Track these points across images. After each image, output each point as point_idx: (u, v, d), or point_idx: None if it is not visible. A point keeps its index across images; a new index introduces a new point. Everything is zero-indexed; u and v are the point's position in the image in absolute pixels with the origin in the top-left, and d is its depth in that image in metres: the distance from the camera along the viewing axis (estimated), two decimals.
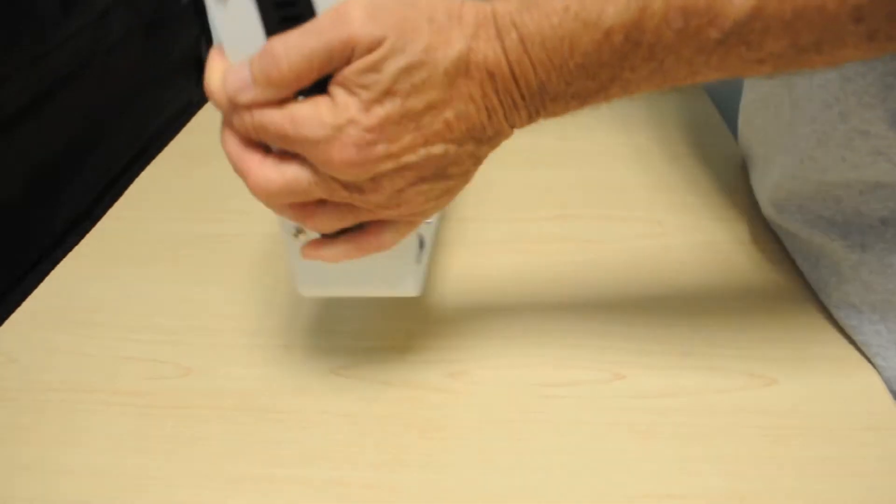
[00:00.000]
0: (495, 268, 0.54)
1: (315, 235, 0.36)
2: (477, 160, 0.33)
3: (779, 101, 0.51)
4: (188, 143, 0.75)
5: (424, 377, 0.45)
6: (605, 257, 0.55)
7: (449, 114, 0.31)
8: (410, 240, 0.38)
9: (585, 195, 0.63)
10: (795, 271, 0.52)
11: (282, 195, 0.32)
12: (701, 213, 0.60)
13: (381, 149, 0.30)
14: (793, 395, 0.43)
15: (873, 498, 0.37)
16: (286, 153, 0.32)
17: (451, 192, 0.34)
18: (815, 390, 0.43)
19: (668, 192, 0.63)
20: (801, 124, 0.46)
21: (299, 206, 0.33)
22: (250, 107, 0.31)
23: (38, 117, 0.57)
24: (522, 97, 0.31)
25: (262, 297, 0.52)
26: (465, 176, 0.34)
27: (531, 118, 0.32)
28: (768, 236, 0.56)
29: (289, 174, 0.32)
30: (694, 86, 0.31)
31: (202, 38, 0.86)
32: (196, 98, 0.84)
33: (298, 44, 0.29)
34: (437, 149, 0.31)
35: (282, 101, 0.30)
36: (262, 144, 0.32)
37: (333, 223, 0.34)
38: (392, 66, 0.29)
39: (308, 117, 0.30)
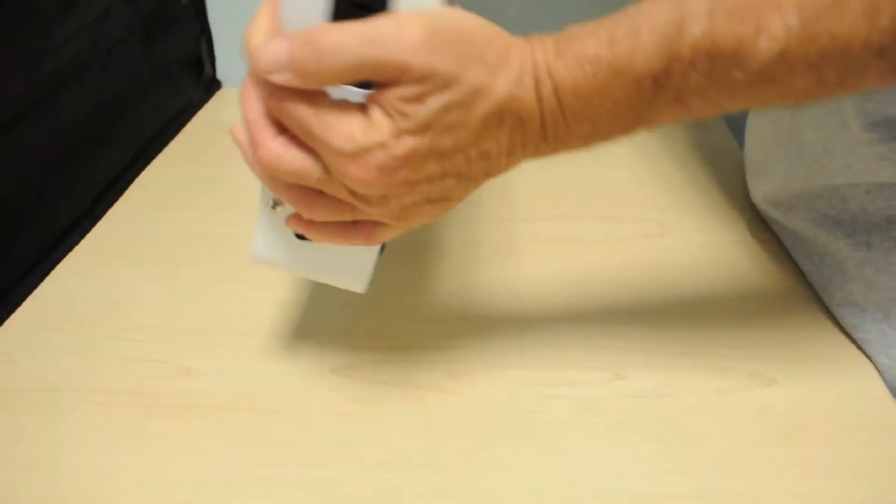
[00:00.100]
0: (495, 268, 0.54)
1: (292, 209, 0.36)
2: (481, 184, 0.34)
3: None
4: (188, 143, 0.75)
5: (424, 377, 0.45)
6: (605, 257, 0.55)
7: (472, 152, 0.31)
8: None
9: (586, 195, 0.63)
10: (796, 271, 0.52)
11: (286, 177, 0.32)
12: (701, 213, 0.60)
13: (401, 175, 0.30)
14: (793, 395, 0.43)
15: (873, 498, 0.37)
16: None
17: (450, 208, 0.34)
18: (815, 390, 0.43)
19: (668, 192, 0.63)
20: (805, 131, 0.47)
21: (298, 191, 0.33)
22: (279, 90, 0.30)
23: (38, 117, 0.57)
24: (546, 140, 0.31)
25: (263, 298, 0.52)
26: (467, 195, 0.34)
27: (549, 154, 0.32)
28: (769, 236, 0.56)
29: (299, 162, 0.31)
30: None
31: (202, 38, 0.86)
32: (196, 98, 0.84)
33: (349, 46, 0.28)
34: (453, 181, 0.32)
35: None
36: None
37: (327, 216, 0.34)
38: (436, 102, 0.29)
39: (338, 127, 0.29)
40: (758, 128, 0.56)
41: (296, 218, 0.36)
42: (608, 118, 0.30)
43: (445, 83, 0.28)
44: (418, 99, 0.29)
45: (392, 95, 0.29)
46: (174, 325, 0.50)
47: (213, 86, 0.88)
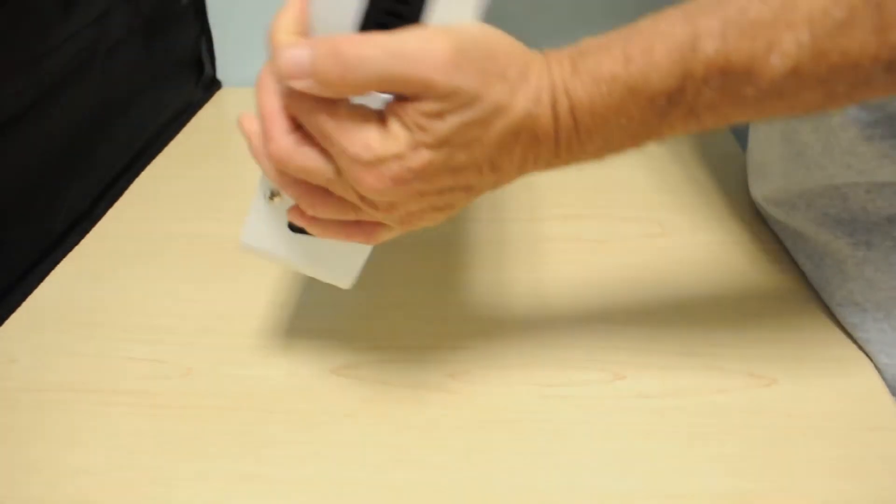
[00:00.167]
0: (495, 267, 0.54)
1: (291, 201, 0.36)
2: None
3: None
4: (188, 143, 0.75)
5: (424, 377, 0.45)
6: (605, 257, 0.55)
7: (485, 167, 0.31)
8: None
9: (586, 195, 0.63)
10: (796, 271, 0.52)
11: (295, 174, 0.32)
12: (701, 213, 0.60)
13: (414, 187, 0.30)
14: (793, 395, 0.43)
15: (873, 498, 0.37)
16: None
17: (453, 214, 0.34)
18: (815, 390, 0.43)
19: (668, 192, 0.63)
20: (805, 130, 0.47)
21: (305, 188, 0.33)
22: (299, 91, 0.29)
23: (38, 117, 0.57)
24: (558, 155, 0.32)
25: (262, 298, 0.52)
26: (471, 202, 0.34)
27: (560, 167, 0.33)
28: (769, 236, 0.56)
29: (311, 161, 0.31)
30: None
31: (202, 38, 0.86)
32: (196, 98, 0.84)
33: (374, 60, 0.28)
34: (462, 192, 0.32)
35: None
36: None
37: (331, 214, 0.34)
38: (456, 119, 0.29)
39: (356, 135, 0.29)
40: (759, 128, 0.56)
41: (297, 211, 0.36)
42: (621, 134, 0.31)
43: (467, 102, 0.28)
44: (439, 115, 0.29)
45: (412, 109, 0.29)
46: (174, 325, 0.50)
47: (213, 86, 0.88)
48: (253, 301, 0.52)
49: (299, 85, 0.29)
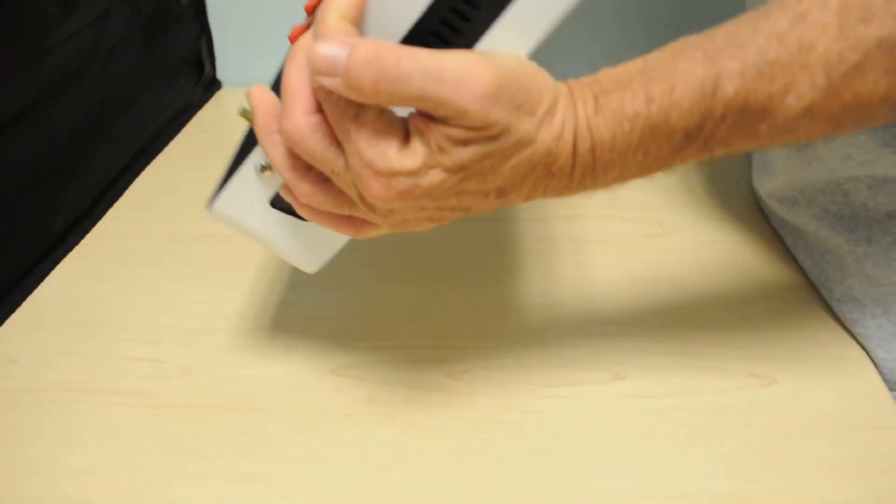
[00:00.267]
0: (495, 267, 0.54)
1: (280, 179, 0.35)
2: None
3: None
4: (188, 143, 0.75)
5: (424, 377, 0.45)
6: (605, 257, 0.55)
7: (493, 194, 0.31)
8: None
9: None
10: (796, 271, 0.52)
11: (303, 153, 0.31)
12: (701, 213, 0.60)
13: (420, 203, 0.30)
14: (793, 395, 0.43)
15: (873, 498, 0.37)
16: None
17: (445, 222, 0.34)
18: (815, 390, 0.43)
19: (668, 192, 0.63)
20: None
21: (304, 172, 0.32)
22: (324, 91, 0.28)
23: (38, 117, 0.57)
24: (569, 188, 0.32)
25: (263, 297, 0.52)
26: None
27: (566, 197, 0.33)
28: (769, 236, 0.56)
29: (322, 148, 0.30)
30: None
31: (202, 38, 0.86)
32: (196, 98, 0.84)
33: (413, 78, 0.27)
34: (462, 212, 0.32)
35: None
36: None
37: (326, 204, 0.33)
38: (479, 149, 0.29)
39: (375, 141, 0.29)
40: None
41: (290, 190, 0.35)
42: (636, 168, 0.31)
43: (495, 135, 0.28)
44: (464, 142, 0.28)
45: (439, 131, 0.28)
46: (174, 325, 0.50)
47: (213, 86, 0.88)
48: (253, 301, 0.52)
49: (327, 82, 0.28)
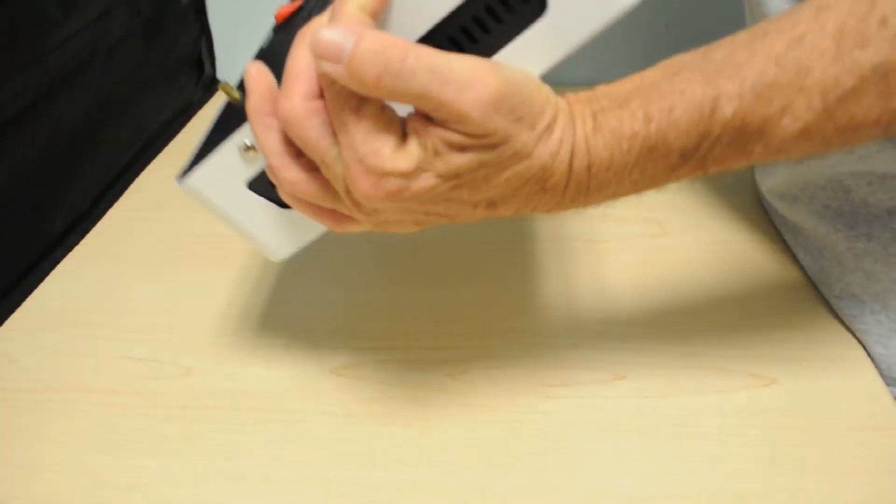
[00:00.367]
0: (495, 267, 0.54)
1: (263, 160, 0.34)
2: None
3: None
4: (188, 143, 0.75)
5: (424, 377, 0.45)
6: (605, 257, 0.55)
7: (482, 205, 0.31)
8: (321, 227, 0.37)
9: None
10: (796, 270, 0.52)
11: (296, 138, 0.30)
12: (701, 213, 0.60)
13: (407, 205, 0.30)
14: (793, 395, 0.43)
15: (873, 498, 0.37)
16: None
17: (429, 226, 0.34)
18: (815, 390, 0.43)
19: (668, 192, 0.63)
20: None
21: (294, 158, 0.31)
22: (328, 78, 0.28)
23: (37, 117, 0.57)
24: (560, 205, 0.32)
25: (263, 297, 0.52)
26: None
27: (555, 213, 0.33)
28: (769, 236, 0.56)
29: (316, 136, 0.29)
30: None
31: (202, 38, 0.86)
32: (196, 98, 0.84)
33: (417, 76, 0.26)
34: (447, 219, 0.32)
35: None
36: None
37: (310, 195, 0.32)
38: (474, 157, 0.28)
39: (371, 137, 0.28)
40: None
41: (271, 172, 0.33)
42: (630, 186, 0.31)
43: (493, 144, 0.28)
44: (461, 148, 0.28)
45: (436, 135, 0.28)
46: (174, 325, 0.50)
47: (213, 86, 0.88)
48: (253, 301, 0.52)
49: (329, 68, 0.27)
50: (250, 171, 0.35)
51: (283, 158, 0.31)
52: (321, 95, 0.29)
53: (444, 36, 0.30)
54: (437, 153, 0.28)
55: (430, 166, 0.29)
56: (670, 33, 0.77)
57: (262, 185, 0.35)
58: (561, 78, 0.31)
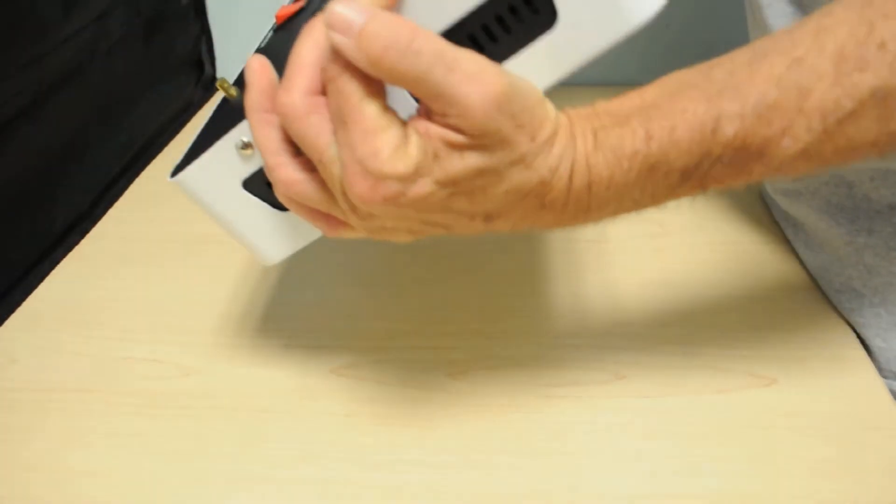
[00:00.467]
0: (494, 268, 0.54)
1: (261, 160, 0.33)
2: None
3: None
4: (188, 143, 0.75)
5: (424, 377, 0.45)
6: (605, 257, 0.55)
7: (479, 218, 0.31)
8: (316, 231, 0.36)
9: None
10: (797, 270, 0.52)
11: (294, 134, 0.30)
12: (701, 213, 0.60)
13: (403, 211, 0.29)
14: (793, 395, 0.43)
15: (873, 498, 0.37)
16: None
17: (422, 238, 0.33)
18: (815, 390, 0.43)
19: None
20: None
21: (291, 157, 0.31)
22: (348, 62, 0.27)
23: (37, 117, 0.57)
24: (559, 222, 0.32)
25: (263, 297, 0.52)
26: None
27: (553, 230, 0.33)
28: (769, 235, 0.56)
29: (315, 132, 0.29)
30: None
31: (202, 38, 0.86)
32: (196, 98, 0.84)
33: (422, 58, 0.26)
34: (443, 230, 0.31)
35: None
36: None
37: (304, 197, 0.32)
38: (472, 160, 0.28)
39: (371, 137, 0.28)
40: None
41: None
42: (630, 204, 0.31)
43: (492, 145, 0.28)
44: (460, 148, 0.28)
45: (437, 134, 0.28)
46: (174, 325, 0.50)
47: (213, 86, 0.88)
48: (253, 301, 0.52)
49: (337, 39, 0.27)
50: (246, 170, 0.34)
51: (280, 157, 0.31)
52: (323, 92, 0.29)
53: (452, 42, 0.29)
54: (436, 156, 0.28)
55: (429, 172, 0.28)
56: (671, 33, 0.77)
57: (258, 185, 0.35)
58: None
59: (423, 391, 0.44)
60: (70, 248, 0.58)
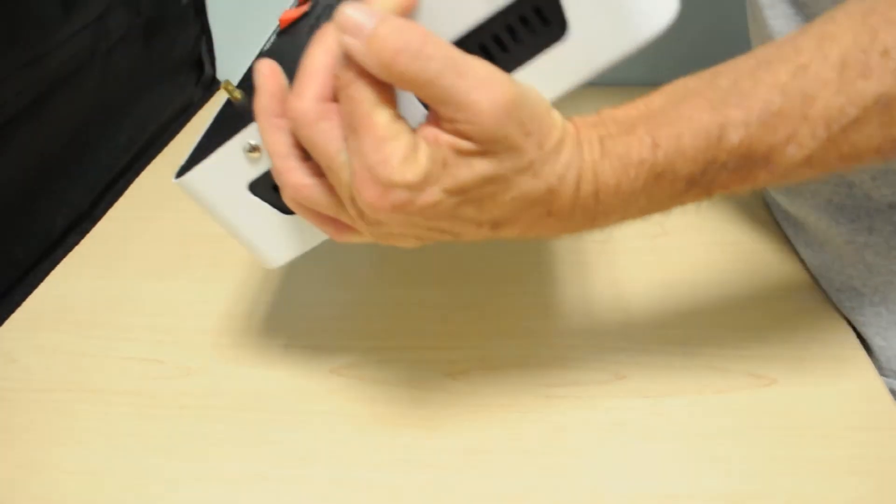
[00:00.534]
0: (495, 268, 0.54)
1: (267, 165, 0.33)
2: None
3: None
4: (188, 143, 0.75)
5: (424, 377, 0.45)
6: (605, 257, 0.55)
7: (487, 225, 0.31)
8: (321, 235, 0.36)
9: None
10: (797, 269, 0.52)
11: (304, 140, 0.30)
12: (701, 213, 0.60)
13: (411, 219, 0.29)
14: (793, 395, 0.43)
15: (873, 498, 0.37)
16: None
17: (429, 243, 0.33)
18: (815, 390, 0.43)
19: None
20: None
21: (300, 162, 0.31)
22: (361, 68, 0.27)
23: (37, 117, 0.57)
24: (565, 229, 0.32)
25: (263, 297, 0.52)
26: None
27: (559, 237, 0.33)
28: (771, 236, 0.56)
29: (325, 139, 0.29)
30: None
31: (202, 38, 0.86)
32: (196, 98, 0.84)
33: (432, 62, 0.26)
34: (451, 236, 0.31)
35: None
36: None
37: (312, 202, 0.32)
38: (481, 168, 0.28)
39: (382, 144, 0.27)
40: None
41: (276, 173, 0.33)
42: (637, 212, 0.31)
43: (500, 152, 0.28)
44: (469, 155, 0.28)
45: (446, 142, 0.28)
46: (174, 325, 0.50)
47: (213, 86, 0.88)
48: (253, 301, 0.52)
49: (348, 41, 0.27)
50: (253, 173, 0.34)
51: (289, 161, 0.31)
52: (334, 98, 0.29)
53: (463, 51, 0.29)
54: (445, 164, 0.28)
55: (437, 180, 0.28)
56: (670, 34, 0.77)
57: (264, 188, 0.35)
58: None
59: (423, 391, 0.44)
60: (70, 248, 0.58)
